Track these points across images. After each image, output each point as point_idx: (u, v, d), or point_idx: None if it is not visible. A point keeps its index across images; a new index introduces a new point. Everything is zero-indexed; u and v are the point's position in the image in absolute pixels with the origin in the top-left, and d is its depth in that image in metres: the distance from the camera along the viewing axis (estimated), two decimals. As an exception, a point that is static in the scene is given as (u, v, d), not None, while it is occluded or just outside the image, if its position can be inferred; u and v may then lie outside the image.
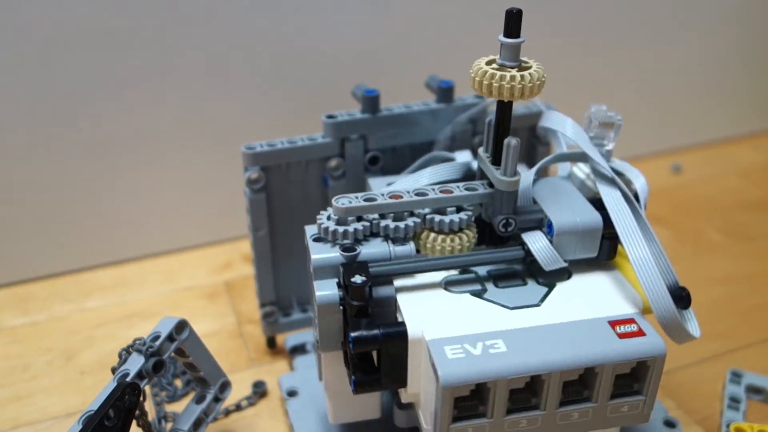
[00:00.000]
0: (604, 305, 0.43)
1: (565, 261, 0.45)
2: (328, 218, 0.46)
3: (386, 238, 0.46)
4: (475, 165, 0.52)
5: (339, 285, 0.44)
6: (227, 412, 0.59)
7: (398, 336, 0.41)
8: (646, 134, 1.00)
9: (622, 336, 0.41)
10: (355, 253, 0.44)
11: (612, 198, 0.46)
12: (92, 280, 0.76)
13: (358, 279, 0.42)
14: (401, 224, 0.46)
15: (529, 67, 0.43)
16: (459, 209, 0.47)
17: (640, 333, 0.41)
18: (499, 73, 0.42)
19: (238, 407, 0.59)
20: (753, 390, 0.60)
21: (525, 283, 0.45)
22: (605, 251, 0.46)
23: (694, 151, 1.03)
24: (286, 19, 0.73)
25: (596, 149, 0.49)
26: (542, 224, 0.46)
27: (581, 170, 0.53)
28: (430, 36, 0.80)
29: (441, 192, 0.46)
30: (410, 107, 0.60)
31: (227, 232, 0.82)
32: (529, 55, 0.44)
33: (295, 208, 0.60)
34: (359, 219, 0.46)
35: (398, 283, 0.45)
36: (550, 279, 0.46)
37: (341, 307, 0.43)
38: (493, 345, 0.40)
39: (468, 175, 0.52)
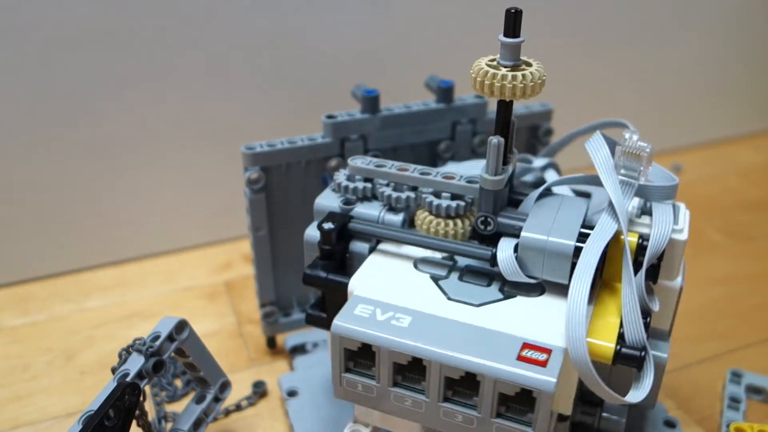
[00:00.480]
0: (536, 329, 0.41)
1: (532, 277, 0.43)
2: (345, 175, 0.50)
3: (386, 204, 0.48)
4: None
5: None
6: (227, 412, 0.59)
7: (339, 284, 0.45)
8: (646, 134, 1.00)
9: (521, 358, 0.39)
10: (350, 207, 0.48)
11: (600, 233, 0.42)
12: (92, 280, 0.76)
13: (327, 225, 0.45)
14: (396, 194, 0.48)
15: (530, 67, 0.43)
16: (457, 197, 0.47)
17: (541, 364, 0.38)
18: (499, 72, 0.42)
19: (238, 407, 0.59)
20: (753, 390, 0.60)
21: (487, 285, 0.45)
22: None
23: (694, 151, 1.03)
24: (286, 19, 0.73)
25: (616, 180, 0.44)
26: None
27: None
28: (430, 36, 0.80)
29: (444, 177, 0.47)
30: (410, 107, 0.60)
31: (227, 232, 0.82)
32: (529, 55, 0.44)
33: (295, 208, 0.60)
34: (370, 181, 0.49)
35: (382, 246, 0.48)
36: (516, 290, 0.44)
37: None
38: (399, 318, 0.41)
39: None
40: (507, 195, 0.47)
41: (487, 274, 0.45)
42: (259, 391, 0.60)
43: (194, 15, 0.70)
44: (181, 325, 0.50)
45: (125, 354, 0.48)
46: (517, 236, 0.44)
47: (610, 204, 0.44)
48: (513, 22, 0.42)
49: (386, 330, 0.41)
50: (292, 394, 0.58)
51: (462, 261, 0.47)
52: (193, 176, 0.77)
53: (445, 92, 0.60)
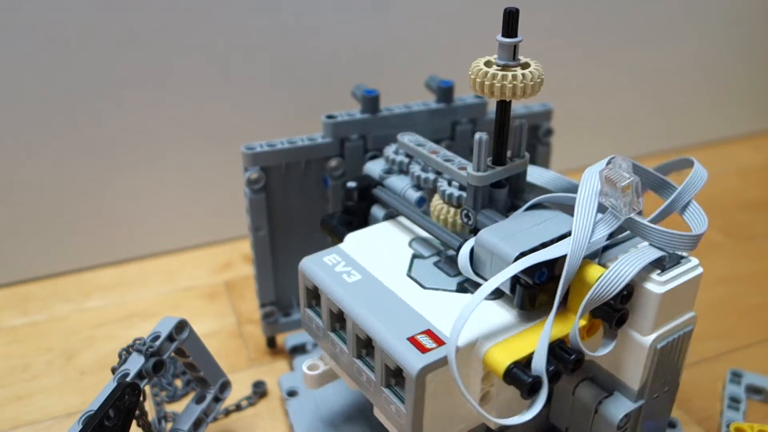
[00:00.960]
0: (450, 323, 0.40)
1: (481, 277, 0.43)
2: (394, 148, 0.54)
3: (413, 181, 0.51)
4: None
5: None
6: (227, 412, 0.59)
7: (340, 235, 0.51)
8: (646, 134, 1.00)
9: (411, 339, 0.40)
10: (387, 176, 0.53)
11: (541, 253, 0.41)
12: (92, 280, 0.76)
13: (351, 184, 0.53)
14: (422, 174, 0.51)
15: (528, 67, 0.43)
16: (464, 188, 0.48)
17: (424, 349, 0.40)
18: (496, 72, 0.42)
19: (238, 407, 0.59)
20: (753, 390, 0.60)
21: (452, 276, 0.46)
22: (519, 297, 0.42)
23: (694, 151, 1.03)
24: (286, 20, 0.73)
25: (588, 210, 0.42)
26: None
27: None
28: (430, 36, 0.80)
29: (458, 168, 0.48)
30: (410, 107, 0.60)
31: (227, 232, 0.82)
32: (529, 56, 0.44)
33: (295, 208, 0.60)
34: (410, 157, 0.53)
35: (400, 218, 0.52)
36: (473, 288, 0.44)
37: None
38: (351, 274, 0.46)
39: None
40: (503, 195, 0.47)
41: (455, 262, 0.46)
42: (259, 391, 0.60)
43: (194, 15, 0.70)
44: (181, 325, 0.50)
45: (125, 354, 0.48)
46: None
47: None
48: (510, 22, 0.42)
49: (332, 279, 0.45)
50: (292, 394, 0.58)
51: (452, 251, 0.48)
52: (193, 176, 0.77)
53: (445, 92, 0.60)
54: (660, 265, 0.42)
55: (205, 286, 0.75)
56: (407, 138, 0.53)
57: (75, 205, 0.74)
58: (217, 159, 0.77)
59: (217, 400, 0.53)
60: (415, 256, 0.48)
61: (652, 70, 0.95)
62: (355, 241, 0.50)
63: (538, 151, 0.65)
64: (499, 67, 0.43)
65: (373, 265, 0.47)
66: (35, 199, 0.72)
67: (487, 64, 0.44)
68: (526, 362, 0.39)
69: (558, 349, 0.40)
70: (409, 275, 0.46)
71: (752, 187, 0.94)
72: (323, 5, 0.74)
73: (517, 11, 0.42)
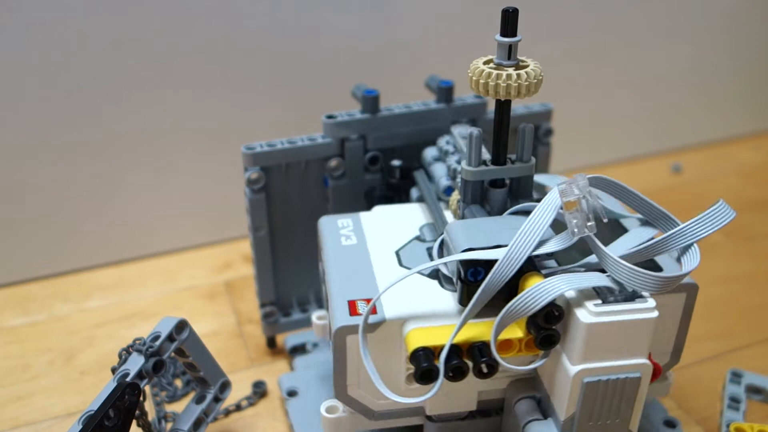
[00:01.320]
0: (394, 297, 0.44)
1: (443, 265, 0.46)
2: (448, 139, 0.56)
3: (450, 174, 0.53)
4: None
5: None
6: (227, 412, 0.59)
7: (371, 202, 0.58)
8: (646, 134, 1.00)
9: (350, 302, 0.44)
10: (432, 163, 0.56)
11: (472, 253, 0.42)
12: (92, 280, 0.76)
13: (395, 162, 0.58)
14: (453, 165, 0.53)
15: (527, 66, 0.43)
16: None
17: (354, 312, 0.43)
18: (496, 72, 0.42)
19: (238, 407, 0.59)
20: (753, 390, 0.60)
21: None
22: (459, 291, 0.43)
23: (694, 151, 1.03)
24: (286, 20, 0.73)
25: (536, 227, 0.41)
26: None
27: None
28: (430, 36, 0.80)
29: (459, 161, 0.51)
30: (410, 107, 0.60)
31: (227, 232, 0.82)
32: (528, 55, 0.44)
33: (295, 208, 0.60)
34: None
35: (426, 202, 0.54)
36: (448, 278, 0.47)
37: None
38: (349, 238, 0.51)
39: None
40: (501, 194, 0.47)
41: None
42: (259, 391, 0.60)
43: (194, 15, 0.70)
44: (181, 325, 0.50)
45: (125, 354, 0.48)
46: None
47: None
48: (509, 22, 0.42)
49: (332, 238, 0.50)
50: (292, 394, 0.58)
51: None
52: (193, 176, 0.77)
53: (445, 92, 0.60)
54: (603, 295, 0.40)
55: (205, 286, 0.75)
56: (457, 130, 0.56)
57: (75, 205, 0.74)
58: (217, 159, 0.77)
59: (217, 400, 0.53)
60: (416, 238, 0.51)
61: (652, 70, 0.95)
62: (376, 213, 0.54)
63: (538, 151, 0.65)
64: (499, 67, 0.43)
65: (374, 236, 0.51)
66: (35, 199, 0.72)
67: (487, 63, 0.44)
68: (438, 352, 0.41)
69: (477, 350, 0.41)
70: (396, 252, 0.49)
71: (752, 187, 0.94)
72: (323, 5, 0.74)
73: (515, 11, 0.42)
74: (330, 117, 0.57)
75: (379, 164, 0.60)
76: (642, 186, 0.93)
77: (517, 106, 0.62)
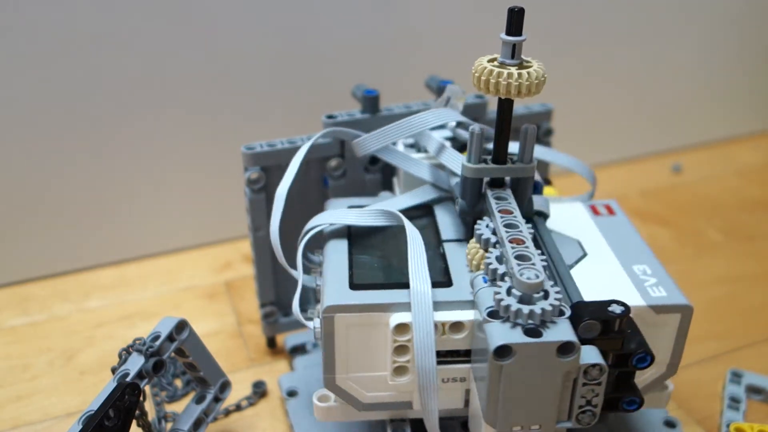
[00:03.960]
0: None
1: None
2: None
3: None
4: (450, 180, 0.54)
5: None
6: (227, 412, 0.59)
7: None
8: (646, 134, 1.00)
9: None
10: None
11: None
12: (92, 280, 0.76)
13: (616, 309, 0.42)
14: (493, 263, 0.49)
15: (530, 66, 0.43)
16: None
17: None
18: (500, 70, 0.42)
19: (238, 407, 0.59)
20: (753, 390, 0.60)
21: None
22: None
23: (694, 151, 1.03)
24: (286, 20, 0.73)
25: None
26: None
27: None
28: (430, 36, 0.80)
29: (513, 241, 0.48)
30: (410, 107, 0.60)
31: (227, 232, 0.82)
32: (528, 54, 0.44)
33: (295, 208, 0.60)
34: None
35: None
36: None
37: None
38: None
39: (442, 193, 0.53)
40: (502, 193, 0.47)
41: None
42: (259, 391, 0.60)
43: (194, 15, 0.70)
44: (181, 325, 0.50)
45: (125, 354, 0.48)
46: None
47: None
48: (515, 21, 0.42)
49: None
50: (292, 394, 0.58)
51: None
52: (193, 176, 0.77)
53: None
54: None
55: (205, 286, 0.75)
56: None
57: (75, 205, 0.74)
58: (217, 159, 0.77)
59: (217, 400, 0.53)
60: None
61: (652, 70, 0.95)
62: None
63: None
64: (503, 65, 0.43)
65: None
66: (35, 199, 0.72)
67: (491, 62, 0.44)
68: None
69: None
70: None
71: (752, 187, 0.94)
72: (323, 5, 0.74)
73: (521, 10, 0.42)
74: (330, 117, 0.57)
75: (379, 164, 0.60)
76: (642, 186, 0.93)
77: (518, 107, 0.62)
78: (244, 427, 0.57)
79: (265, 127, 0.76)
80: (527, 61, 0.44)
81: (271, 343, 0.65)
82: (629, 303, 0.40)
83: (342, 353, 0.44)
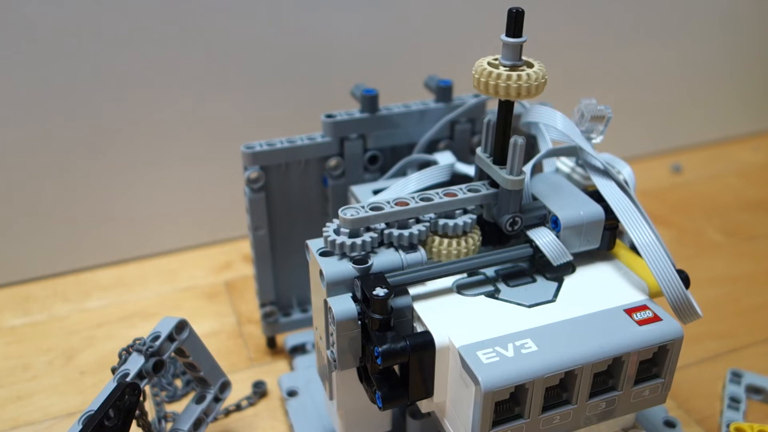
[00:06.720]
0: (615, 295, 0.44)
1: (571, 254, 0.45)
2: (336, 231, 0.44)
3: (395, 246, 0.44)
4: (459, 166, 0.54)
5: (354, 299, 0.42)
6: (227, 412, 0.59)
7: (426, 346, 0.40)
8: (646, 134, 1.00)
9: (640, 323, 0.41)
10: (368, 264, 0.43)
11: (609, 188, 0.46)
12: (92, 280, 0.76)
13: (380, 291, 0.40)
14: (407, 232, 0.44)
15: (531, 67, 0.43)
16: (464, 212, 0.46)
17: (657, 318, 0.42)
18: (500, 72, 0.42)
19: (238, 407, 0.59)
20: (753, 390, 0.60)
21: (534, 280, 0.45)
22: (606, 241, 0.47)
23: (694, 151, 1.03)
24: (285, 19, 0.73)
25: (588, 142, 0.49)
26: (546, 220, 0.46)
27: (565, 165, 0.53)
28: (430, 36, 0.80)
29: (445, 195, 0.46)
30: (409, 107, 0.60)
31: (227, 232, 0.82)
32: (528, 54, 0.44)
33: (295, 207, 0.60)
34: (367, 230, 0.44)
35: (412, 291, 0.43)
36: (557, 274, 0.46)
37: (359, 323, 0.42)
38: (523, 345, 0.39)
39: (455, 177, 0.53)
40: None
41: (523, 272, 0.46)
42: (259, 391, 0.60)
43: (194, 15, 0.70)
44: (181, 325, 0.50)
45: (125, 354, 0.48)
46: (542, 224, 0.46)
47: (590, 166, 0.48)
48: (515, 22, 0.42)
49: (529, 361, 0.38)
50: (292, 394, 0.58)
51: (489, 272, 0.46)
52: (193, 176, 0.77)
53: (443, 92, 0.60)
54: None
55: (205, 286, 0.75)
56: (351, 212, 0.44)
57: (75, 205, 0.74)
58: (217, 159, 0.77)
59: (217, 400, 0.53)
60: (490, 296, 0.44)
61: (652, 70, 0.95)
62: (454, 329, 0.42)
63: (536, 151, 0.65)
64: (505, 67, 0.43)
65: (505, 327, 0.42)
66: (35, 199, 0.72)
67: (491, 64, 0.43)
68: None
69: None
70: (528, 306, 0.43)
71: (752, 187, 0.94)
72: (323, 5, 0.74)
73: (522, 11, 0.42)
74: (329, 116, 0.57)
75: (379, 163, 0.60)
76: (642, 186, 0.93)
77: (517, 107, 0.62)
78: (244, 427, 0.57)
79: (265, 127, 0.76)
80: (528, 62, 0.44)
81: (271, 343, 0.65)
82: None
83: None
